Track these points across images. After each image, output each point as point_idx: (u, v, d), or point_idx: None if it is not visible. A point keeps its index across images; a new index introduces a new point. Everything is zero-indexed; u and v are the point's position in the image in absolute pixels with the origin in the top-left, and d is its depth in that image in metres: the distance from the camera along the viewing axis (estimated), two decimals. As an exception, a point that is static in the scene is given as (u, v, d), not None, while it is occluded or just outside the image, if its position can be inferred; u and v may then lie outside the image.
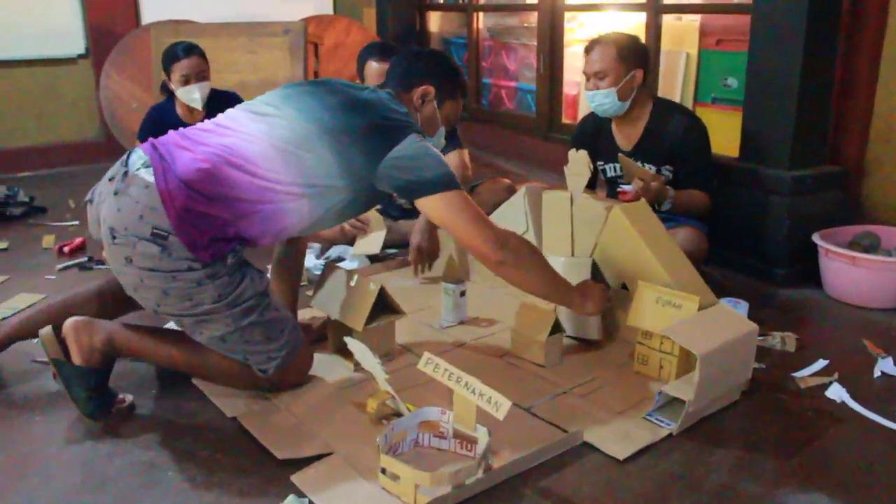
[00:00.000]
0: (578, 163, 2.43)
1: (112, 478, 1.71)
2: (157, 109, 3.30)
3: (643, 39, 3.53)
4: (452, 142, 3.08)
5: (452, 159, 3.03)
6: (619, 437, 1.81)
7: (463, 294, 2.44)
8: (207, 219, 1.79)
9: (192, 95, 3.14)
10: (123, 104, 4.32)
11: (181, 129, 1.94)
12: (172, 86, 3.18)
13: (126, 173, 1.84)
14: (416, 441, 1.79)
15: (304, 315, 2.44)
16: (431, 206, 1.91)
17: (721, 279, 2.83)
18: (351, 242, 3.10)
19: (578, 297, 2.10)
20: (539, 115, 4.48)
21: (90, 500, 1.64)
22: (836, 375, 2.11)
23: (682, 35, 3.65)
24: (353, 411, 1.95)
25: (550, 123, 4.44)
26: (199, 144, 1.85)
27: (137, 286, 1.85)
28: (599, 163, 2.88)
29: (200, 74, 3.16)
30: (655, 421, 1.88)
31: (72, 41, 4.60)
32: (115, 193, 1.83)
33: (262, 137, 1.86)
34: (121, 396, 1.98)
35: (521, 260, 1.96)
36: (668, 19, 3.68)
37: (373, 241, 3.00)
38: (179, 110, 3.23)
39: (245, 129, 1.89)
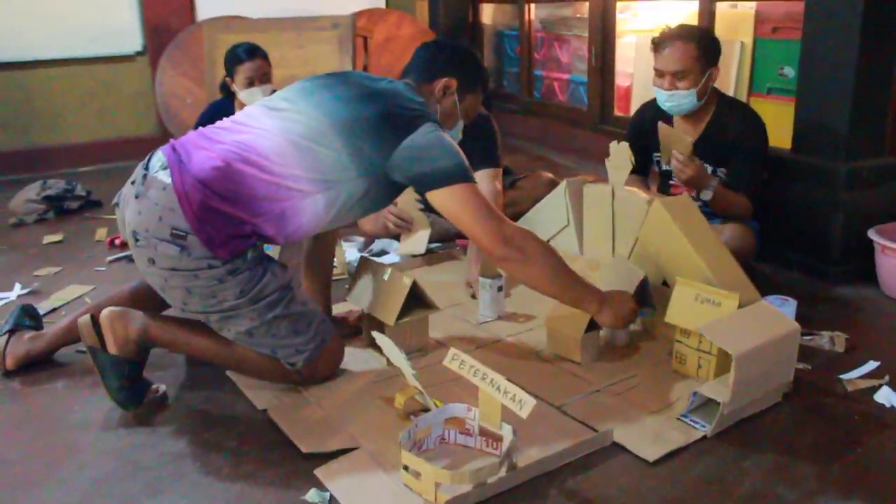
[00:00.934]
0: (620, 155, 2.38)
1: (143, 468, 1.74)
2: (215, 107, 3.32)
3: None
4: (488, 158, 2.83)
5: (483, 180, 2.74)
6: (650, 439, 1.76)
7: (500, 289, 2.40)
8: (224, 216, 1.80)
9: (254, 98, 3.15)
10: (178, 99, 4.41)
11: (201, 128, 1.96)
12: (235, 87, 3.21)
13: (146, 176, 1.86)
14: (443, 438, 1.77)
15: (341, 308, 2.44)
16: (439, 198, 1.90)
17: (772, 276, 2.72)
18: (394, 238, 3.10)
19: (596, 304, 2.01)
20: (591, 108, 4.40)
21: (120, 488, 1.68)
22: (886, 378, 2.00)
23: (736, 23, 3.52)
24: (382, 406, 1.94)
25: (602, 116, 4.35)
26: (215, 143, 1.86)
27: (163, 286, 1.88)
28: (656, 155, 2.79)
29: (264, 76, 3.19)
30: (690, 422, 1.82)
31: (130, 39, 4.72)
32: (136, 197, 1.85)
33: (276, 132, 1.87)
34: (154, 386, 2.02)
35: (526, 257, 1.91)
36: (722, 7, 3.57)
37: (418, 241, 2.98)
38: (238, 110, 3.25)
39: (260, 125, 1.89)
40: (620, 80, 4.31)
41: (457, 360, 1.73)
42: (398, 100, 1.94)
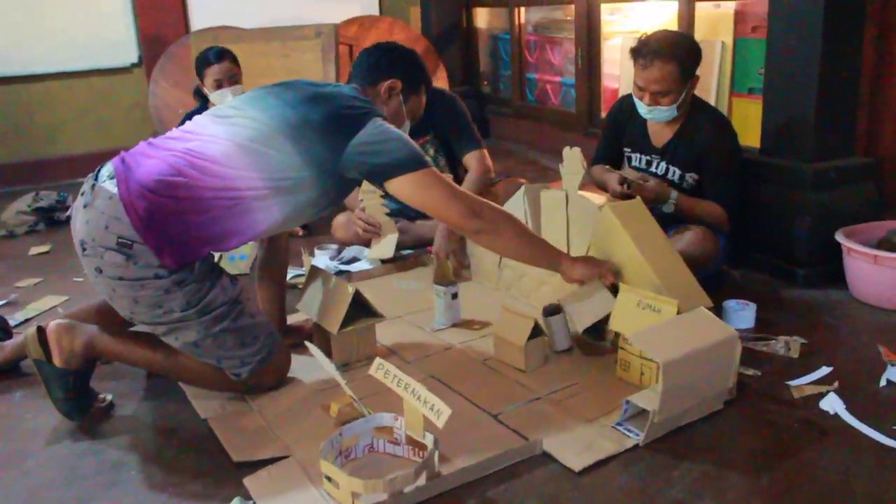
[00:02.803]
0: (573, 160, 2.36)
1: (80, 476, 1.77)
2: (192, 115, 3.39)
3: (675, 28, 3.40)
4: (470, 143, 3.06)
5: (472, 163, 3.03)
6: (580, 448, 1.74)
7: (455, 296, 2.40)
8: (172, 223, 1.82)
9: (224, 99, 3.21)
10: (171, 110, 4.46)
11: (151, 139, 1.98)
12: (206, 90, 3.27)
13: (94, 186, 1.88)
14: (371, 446, 1.77)
15: (299, 317, 2.45)
16: (401, 187, 1.92)
17: (740, 279, 2.68)
18: (366, 244, 3.11)
19: (567, 261, 2.09)
20: (578, 111, 4.37)
21: (56, 495, 1.71)
22: (835, 384, 1.96)
23: (716, 23, 3.48)
24: (321, 415, 1.94)
25: (590, 118, 4.32)
26: (163, 151, 1.88)
27: (111, 295, 1.90)
28: (627, 150, 2.77)
29: (232, 78, 3.26)
30: (624, 431, 1.79)
31: (126, 51, 4.81)
32: (85, 207, 1.88)
33: (224, 137, 1.89)
34: (101, 396, 2.05)
35: (498, 227, 1.98)
36: (703, 7, 3.52)
37: (386, 246, 3.00)
38: None
39: (208, 132, 1.92)
40: (608, 82, 4.28)
41: (381, 370, 1.74)
42: (344, 100, 1.97)
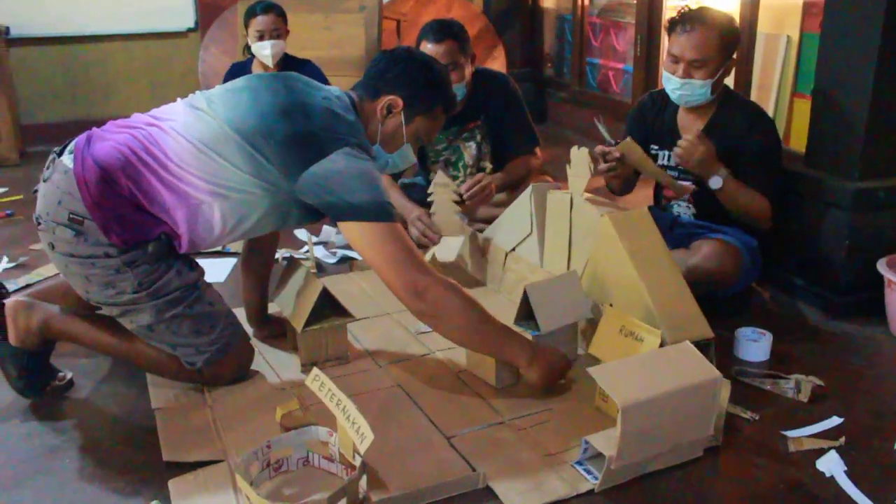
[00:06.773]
0: (580, 162, 2.15)
1: (14, 460, 1.73)
2: (237, 66, 3.49)
3: (738, 21, 3.11)
4: (526, 142, 2.94)
5: (523, 164, 2.92)
6: (529, 486, 1.57)
7: (443, 298, 2.23)
8: (122, 204, 1.76)
9: (263, 52, 3.28)
10: (218, 77, 4.41)
11: (121, 119, 1.91)
12: (248, 40, 3.33)
13: (54, 160, 1.84)
14: (307, 460, 1.66)
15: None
16: (352, 232, 1.78)
17: (770, 304, 2.42)
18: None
19: (524, 360, 1.84)
20: (634, 100, 4.09)
21: (-15, 479, 1.66)
22: (842, 440, 1.71)
23: (782, 15, 3.16)
24: (272, 417, 1.83)
25: (646, 110, 4.04)
26: (125, 133, 1.82)
27: (65, 272, 1.86)
28: (653, 147, 2.54)
29: (274, 32, 3.28)
30: (583, 472, 1.61)
31: (183, 16, 4.81)
32: (45, 180, 1.84)
33: (182, 132, 1.81)
34: (61, 374, 2.00)
35: (440, 313, 1.77)
36: (769, -2, 3.20)
37: (450, 249, 2.71)
38: (255, 69, 3.37)
39: (171, 121, 1.84)
40: (668, 72, 3.99)
41: (317, 382, 1.61)
42: (321, 120, 1.80)
